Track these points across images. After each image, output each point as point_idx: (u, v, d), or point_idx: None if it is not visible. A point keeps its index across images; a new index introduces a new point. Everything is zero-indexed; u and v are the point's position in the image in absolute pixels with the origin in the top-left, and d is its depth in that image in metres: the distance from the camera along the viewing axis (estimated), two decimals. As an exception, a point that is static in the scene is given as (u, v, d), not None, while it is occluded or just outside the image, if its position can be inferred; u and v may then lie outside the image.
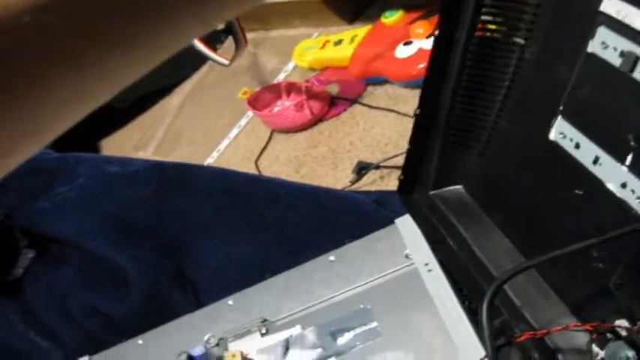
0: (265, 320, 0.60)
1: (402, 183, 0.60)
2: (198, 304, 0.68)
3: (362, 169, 0.74)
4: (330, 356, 0.55)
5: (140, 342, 0.67)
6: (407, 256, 0.58)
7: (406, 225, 0.60)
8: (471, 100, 0.50)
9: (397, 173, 0.75)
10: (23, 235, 0.84)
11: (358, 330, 0.55)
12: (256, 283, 0.65)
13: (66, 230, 0.82)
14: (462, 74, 0.49)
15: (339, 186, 0.76)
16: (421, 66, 0.82)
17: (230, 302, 0.64)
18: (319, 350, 0.55)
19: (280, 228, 0.70)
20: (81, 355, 0.70)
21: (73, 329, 0.75)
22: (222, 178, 0.81)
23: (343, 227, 0.67)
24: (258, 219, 0.72)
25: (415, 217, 0.59)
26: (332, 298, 0.59)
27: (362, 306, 0.57)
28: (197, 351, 0.57)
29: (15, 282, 0.81)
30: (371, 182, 0.74)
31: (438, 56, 0.49)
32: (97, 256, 0.79)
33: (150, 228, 0.79)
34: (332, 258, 0.62)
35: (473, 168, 0.55)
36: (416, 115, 0.52)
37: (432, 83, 0.50)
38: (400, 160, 0.75)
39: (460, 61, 0.48)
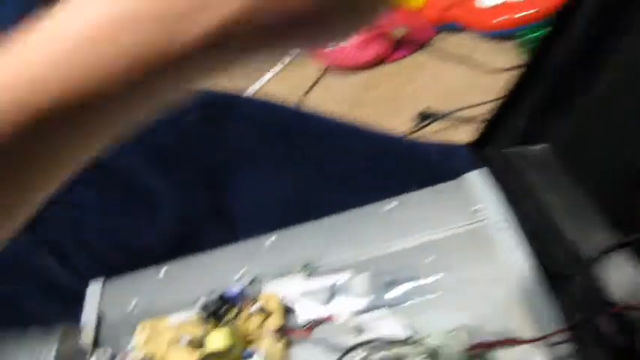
0: (309, 264, 0.57)
1: (481, 136, 0.56)
2: (234, 240, 0.64)
3: (425, 117, 0.70)
4: (379, 307, 0.51)
5: (163, 271, 0.64)
6: (475, 212, 0.54)
7: (478, 180, 0.56)
8: (587, 56, 0.46)
9: (465, 127, 0.71)
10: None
11: (413, 284, 0.52)
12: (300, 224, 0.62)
13: None
14: (588, 30, 0.44)
15: (398, 132, 0.71)
16: (503, 18, 0.77)
17: (270, 240, 0.61)
18: (370, 299, 0.52)
19: (331, 168, 0.66)
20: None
21: (89, 253, 0.72)
22: (270, 110, 0.76)
23: (402, 175, 0.63)
24: (306, 156, 0.68)
25: (489, 173, 0.55)
26: (388, 247, 0.55)
27: (420, 259, 0.53)
28: (234, 289, 0.54)
29: None
30: (434, 132, 0.70)
31: (569, 7, 0.44)
32: (128, 178, 0.75)
33: (188, 155, 0.75)
34: (391, 205, 0.59)
35: (566, 128, 0.51)
36: (524, 65, 0.48)
37: (554, 34, 0.46)
38: (469, 113, 0.71)
39: (589, 16, 0.44)
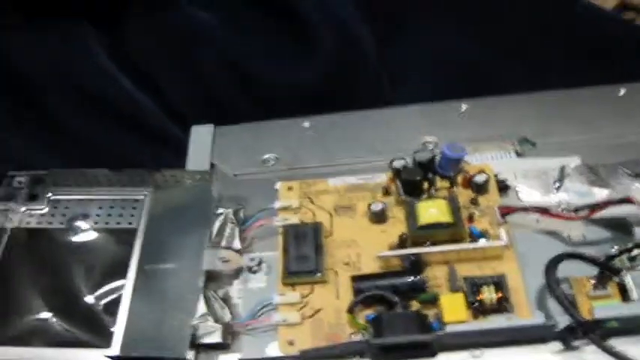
0: (524, 139, 0.49)
1: None
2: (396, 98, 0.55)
3: (626, 9, 0.62)
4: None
5: (307, 124, 0.54)
6: None
7: None
8: None
9: None
10: None
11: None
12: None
13: None
14: None
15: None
16: None
17: (464, 107, 0.52)
18: (607, 192, 0.45)
19: (524, 37, 0.58)
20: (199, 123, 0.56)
21: (192, 89, 0.60)
22: None
23: (622, 59, 0.55)
24: (497, 14, 0.59)
25: None
26: (619, 137, 0.49)
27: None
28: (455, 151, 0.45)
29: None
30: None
31: None
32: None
33: None
34: (622, 91, 0.52)
35: None
36: None
37: None
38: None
39: None
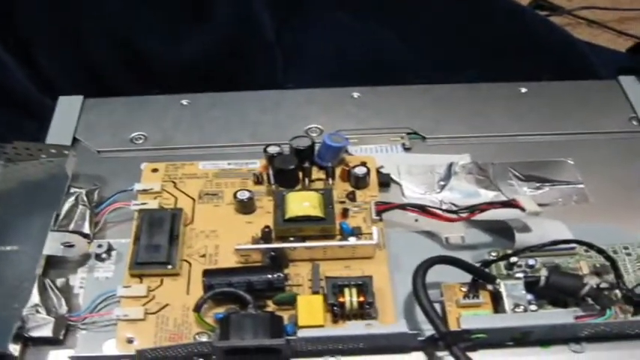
0: (414, 133, 0.47)
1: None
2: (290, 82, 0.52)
3: (539, 7, 0.61)
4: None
5: (185, 101, 0.51)
6: (632, 121, 0.47)
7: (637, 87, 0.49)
8: None
9: (592, 28, 0.63)
10: None
11: (558, 185, 0.44)
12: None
13: None
14: None
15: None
16: None
17: (355, 94, 0.50)
18: (495, 193, 0.43)
19: (433, 27, 0.55)
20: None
21: (70, 58, 0.55)
22: None
23: (532, 56, 0.53)
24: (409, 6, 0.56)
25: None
26: (519, 135, 0.47)
27: (563, 159, 0.45)
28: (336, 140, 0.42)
29: None
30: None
31: None
32: None
33: None
34: (523, 90, 0.50)
35: None
36: None
37: None
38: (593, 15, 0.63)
39: None
